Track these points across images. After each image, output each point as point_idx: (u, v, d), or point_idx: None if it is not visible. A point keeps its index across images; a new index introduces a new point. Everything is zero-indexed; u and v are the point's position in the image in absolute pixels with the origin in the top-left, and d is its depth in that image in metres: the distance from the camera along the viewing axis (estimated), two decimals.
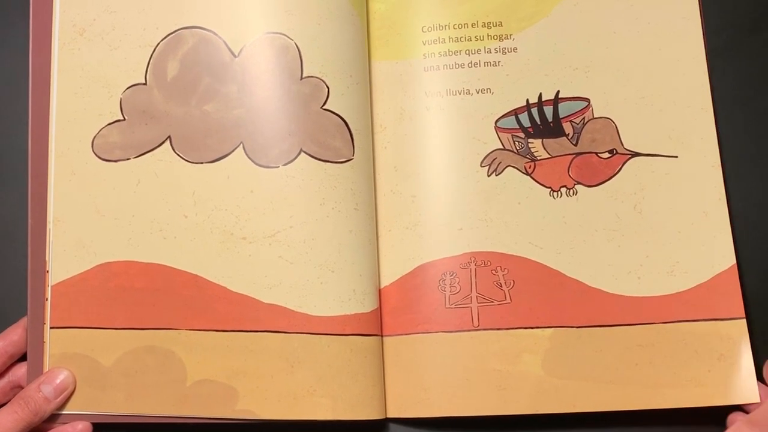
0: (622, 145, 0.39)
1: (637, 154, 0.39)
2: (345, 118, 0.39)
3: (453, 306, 0.38)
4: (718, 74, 0.42)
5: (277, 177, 0.38)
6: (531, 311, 0.38)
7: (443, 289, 0.38)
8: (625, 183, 0.39)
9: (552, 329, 0.38)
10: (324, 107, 0.38)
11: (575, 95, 0.40)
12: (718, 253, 0.38)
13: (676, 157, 0.39)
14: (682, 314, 0.37)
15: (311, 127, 0.38)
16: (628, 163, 0.39)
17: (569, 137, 0.39)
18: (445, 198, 0.39)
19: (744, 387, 0.36)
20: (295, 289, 0.37)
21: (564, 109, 0.40)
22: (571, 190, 0.39)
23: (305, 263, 0.37)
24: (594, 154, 0.39)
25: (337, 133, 0.38)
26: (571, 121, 0.40)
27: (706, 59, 0.40)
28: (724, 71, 0.43)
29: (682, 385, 0.37)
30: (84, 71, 0.39)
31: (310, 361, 0.37)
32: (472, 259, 0.38)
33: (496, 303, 0.38)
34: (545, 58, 0.40)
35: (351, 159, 0.39)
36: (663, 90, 0.40)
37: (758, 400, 0.36)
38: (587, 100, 0.40)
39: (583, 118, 0.40)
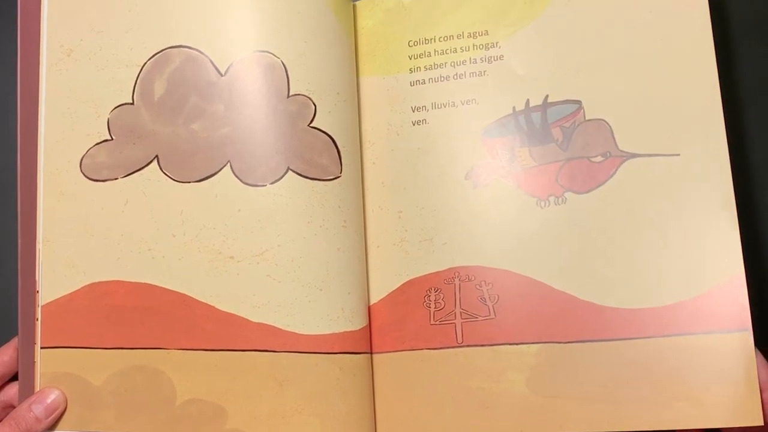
0: (617, 146, 0.37)
1: (633, 156, 0.37)
2: (332, 136, 0.39)
3: (437, 322, 0.38)
4: (741, 64, 0.40)
5: (264, 195, 0.38)
6: (516, 326, 0.37)
7: (428, 305, 0.38)
8: (620, 187, 0.37)
9: (538, 345, 0.37)
10: (311, 125, 0.38)
11: (566, 98, 0.38)
12: (723, 259, 0.35)
13: (678, 155, 0.37)
14: (680, 327, 0.35)
15: (298, 145, 0.38)
16: (623, 165, 0.37)
17: (558, 143, 0.38)
18: (430, 213, 0.39)
19: (747, 407, 0.34)
20: (284, 307, 0.37)
21: (553, 113, 0.38)
22: (560, 199, 0.38)
23: (293, 282, 0.37)
24: (585, 159, 0.38)
25: (325, 150, 0.38)
26: (561, 125, 0.38)
27: (716, 47, 0.37)
28: (747, 61, 0.41)
29: (679, 405, 0.35)
30: (71, 91, 0.39)
31: (299, 379, 0.37)
32: (457, 274, 0.38)
33: (480, 319, 0.37)
34: (533, 62, 0.39)
35: (339, 176, 0.38)
36: (664, 83, 0.37)
37: (761, 423, 0.34)
38: (578, 102, 0.38)
39: (574, 121, 0.38)
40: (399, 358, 0.38)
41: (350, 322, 0.38)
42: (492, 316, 0.37)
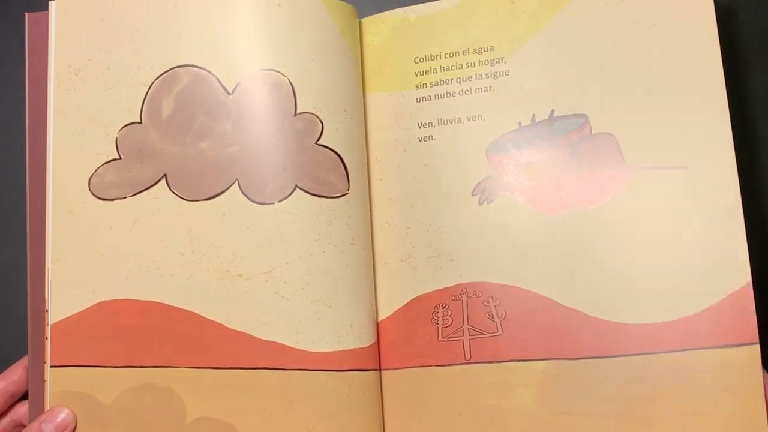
0: (624, 160, 0.37)
1: (640, 169, 0.37)
2: (339, 153, 0.39)
3: (446, 339, 0.38)
4: (753, 75, 0.40)
5: (272, 213, 0.38)
6: (524, 343, 0.37)
7: (436, 322, 0.38)
8: (627, 201, 0.37)
9: (546, 362, 0.37)
10: (318, 142, 0.39)
11: (572, 112, 0.38)
12: (731, 270, 0.35)
13: (686, 167, 0.36)
14: (688, 342, 0.35)
15: (306, 162, 0.38)
16: (630, 179, 0.37)
17: (565, 157, 0.38)
18: (437, 229, 0.39)
19: (755, 423, 0.34)
20: (292, 325, 0.37)
21: (560, 127, 0.38)
22: (568, 213, 0.38)
23: (302, 299, 0.37)
24: (593, 174, 0.38)
25: (332, 167, 0.39)
26: (568, 140, 0.38)
27: (728, 57, 0.36)
28: (759, 72, 0.41)
29: (686, 422, 0.35)
30: (80, 111, 0.39)
31: (309, 397, 0.37)
32: (464, 290, 0.38)
33: (488, 335, 0.37)
34: (539, 76, 0.39)
35: (346, 193, 0.39)
36: (671, 95, 0.37)
37: None
38: (584, 116, 0.38)
39: (581, 135, 0.38)
40: (407, 375, 0.38)
41: (359, 339, 0.38)
42: (499, 332, 0.37)
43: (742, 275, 0.35)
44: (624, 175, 0.37)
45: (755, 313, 0.35)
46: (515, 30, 0.40)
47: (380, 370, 0.39)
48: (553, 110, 0.39)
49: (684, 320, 0.36)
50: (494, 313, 0.38)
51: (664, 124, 0.37)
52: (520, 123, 0.39)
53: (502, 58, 0.40)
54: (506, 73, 0.39)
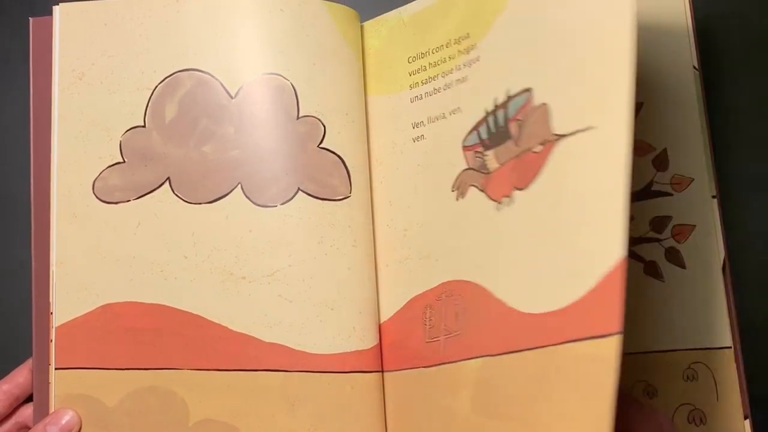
0: (551, 131, 0.32)
1: (560, 137, 0.31)
2: (342, 156, 0.39)
3: (431, 340, 0.37)
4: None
5: (275, 216, 0.38)
6: (471, 340, 0.35)
7: (425, 322, 0.38)
8: (549, 176, 0.32)
9: (481, 359, 0.34)
10: (321, 146, 0.39)
11: (521, 89, 0.34)
12: (607, 247, 0.28)
13: (594, 127, 0.30)
14: (568, 332, 0.29)
15: (308, 166, 0.38)
16: (553, 151, 0.32)
17: (514, 139, 0.34)
18: (428, 229, 0.38)
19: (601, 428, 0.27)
20: (295, 327, 0.38)
21: (512, 107, 0.35)
22: (510, 199, 0.34)
23: (304, 301, 0.38)
24: (529, 151, 0.33)
25: (334, 171, 0.39)
26: (516, 119, 0.35)
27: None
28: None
29: (560, 427, 0.29)
30: (83, 114, 0.40)
31: (311, 399, 0.37)
32: (444, 289, 0.37)
33: (453, 334, 0.36)
34: (501, 57, 0.36)
35: (348, 196, 0.39)
36: (591, 51, 0.31)
37: None
38: (529, 90, 0.34)
39: (525, 111, 0.34)
40: (404, 377, 0.38)
41: (361, 341, 0.38)
42: (459, 331, 0.36)
43: (615, 251, 0.27)
44: (550, 146, 0.32)
45: (623, 297, 0.27)
46: (484, 12, 0.37)
47: (382, 371, 0.39)
48: (508, 90, 0.35)
49: (570, 308, 0.29)
50: (460, 311, 0.36)
51: (585, 82, 0.31)
52: (485, 110, 0.36)
53: (474, 45, 0.38)
54: (478, 59, 0.37)
